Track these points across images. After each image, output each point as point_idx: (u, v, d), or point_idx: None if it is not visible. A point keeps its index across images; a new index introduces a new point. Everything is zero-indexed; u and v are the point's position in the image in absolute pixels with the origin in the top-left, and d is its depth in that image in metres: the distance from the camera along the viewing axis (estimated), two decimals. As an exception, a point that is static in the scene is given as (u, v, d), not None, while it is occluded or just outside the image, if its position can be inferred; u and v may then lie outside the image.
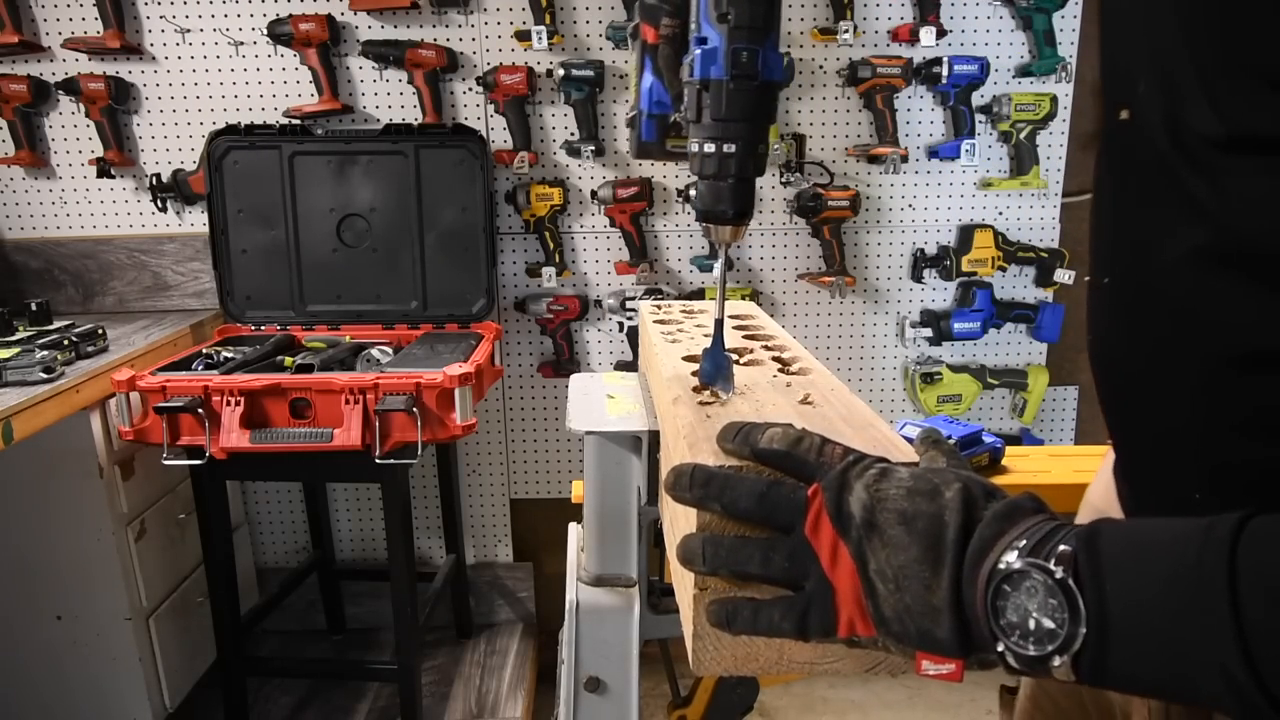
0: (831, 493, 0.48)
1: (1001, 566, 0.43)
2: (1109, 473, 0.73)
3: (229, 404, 1.63)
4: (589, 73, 2.07)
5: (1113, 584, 0.40)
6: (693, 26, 0.63)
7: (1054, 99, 2.13)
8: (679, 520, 0.61)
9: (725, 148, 0.63)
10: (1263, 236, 0.44)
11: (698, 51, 0.63)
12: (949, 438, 1.29)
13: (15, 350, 1.61)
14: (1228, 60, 0.44)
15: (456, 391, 1.64)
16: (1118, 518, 0.59)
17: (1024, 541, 0.43)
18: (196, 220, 2.21)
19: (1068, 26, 2.13)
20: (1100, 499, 0.77)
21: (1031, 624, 0.42)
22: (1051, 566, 0.41)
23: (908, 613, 0.45)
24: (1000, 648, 0.43)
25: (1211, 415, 0.50)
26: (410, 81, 2.10)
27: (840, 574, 0.47)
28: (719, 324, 0.70)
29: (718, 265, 0.70)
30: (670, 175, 2.19)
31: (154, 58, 2.12)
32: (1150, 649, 0.40)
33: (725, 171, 0.63)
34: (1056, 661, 0.41)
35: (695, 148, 0.64)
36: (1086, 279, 0.60)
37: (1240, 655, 0.36)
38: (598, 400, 0.88)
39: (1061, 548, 0.42)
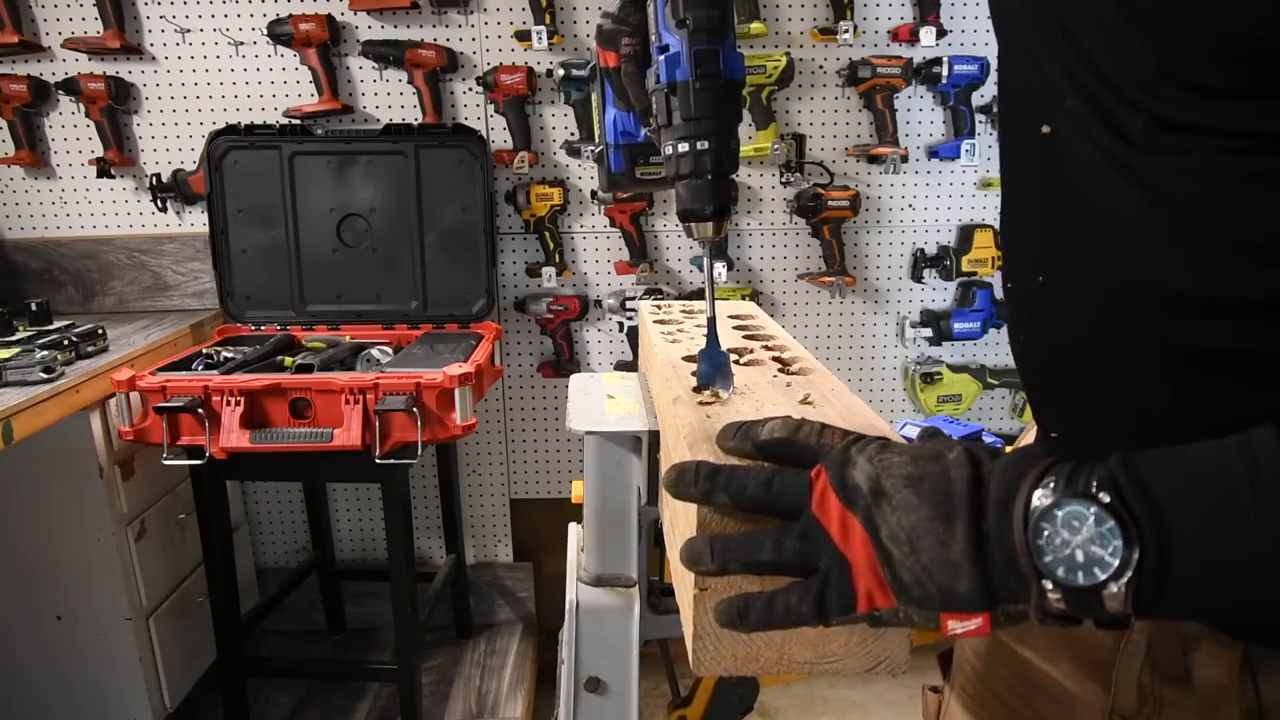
0: (835, 469, 0.48)
1: (1037, 505, 0.42)
2: None
3: (229, 404, 1.63)
4: (589, 73, 2.07)
5: (1167, 502, 0.40)
6: (653, 39, 0.66)
7: (1054, 99, 2.13)
8: (680, 520, 0.61)
9: (699, 145, 0.65)
10: (1194, 201, 0.47)
11: (661, 59, 0.66)
12: (966, 437, 1.30)
13: (15, 350, 1.61)
14: (1152, 70, 0.47)
15: (456, 391, 1.64)
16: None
17: (1051, 481, 0.42)
18: (196, 220, 2.21)
19: (1068, 26, 2.12)
20: None
21: (1080, 555, 0.40)
22: (1096, 493, 0.41)
23: (926, 573, 0.44)
24: (1048, 585, 0.41)
25: (1175, 371, 0.51)
26: (410, 81, 2.10)
27: (853, 546, 0.47)
28: (712, 322, 0.70)
29: (706, 264, 0.70)
30: (665, 173, 2.18)
31: (154, 58, 2.13)
32: (1215, 562, 0.39)
33: (701, 168, 0.65)
34: (1113, 589, 0.40)
35: (669, 150, 0.66)
36: (1007, 285, 0.64)
37: None
38: (598, 400, 0.88)
39: (1096, 479, 0.41)
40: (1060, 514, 0.41)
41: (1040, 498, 0.42)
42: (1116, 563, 0.40)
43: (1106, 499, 0.40)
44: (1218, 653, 0.56)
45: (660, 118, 0.67)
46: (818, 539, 0.48)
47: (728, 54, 0.64)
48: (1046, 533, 0.41)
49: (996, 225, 2.21)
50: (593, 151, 2.15)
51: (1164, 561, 0.39)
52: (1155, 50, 0.46)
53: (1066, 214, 0.55)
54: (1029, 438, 0.77)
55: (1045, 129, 0.55)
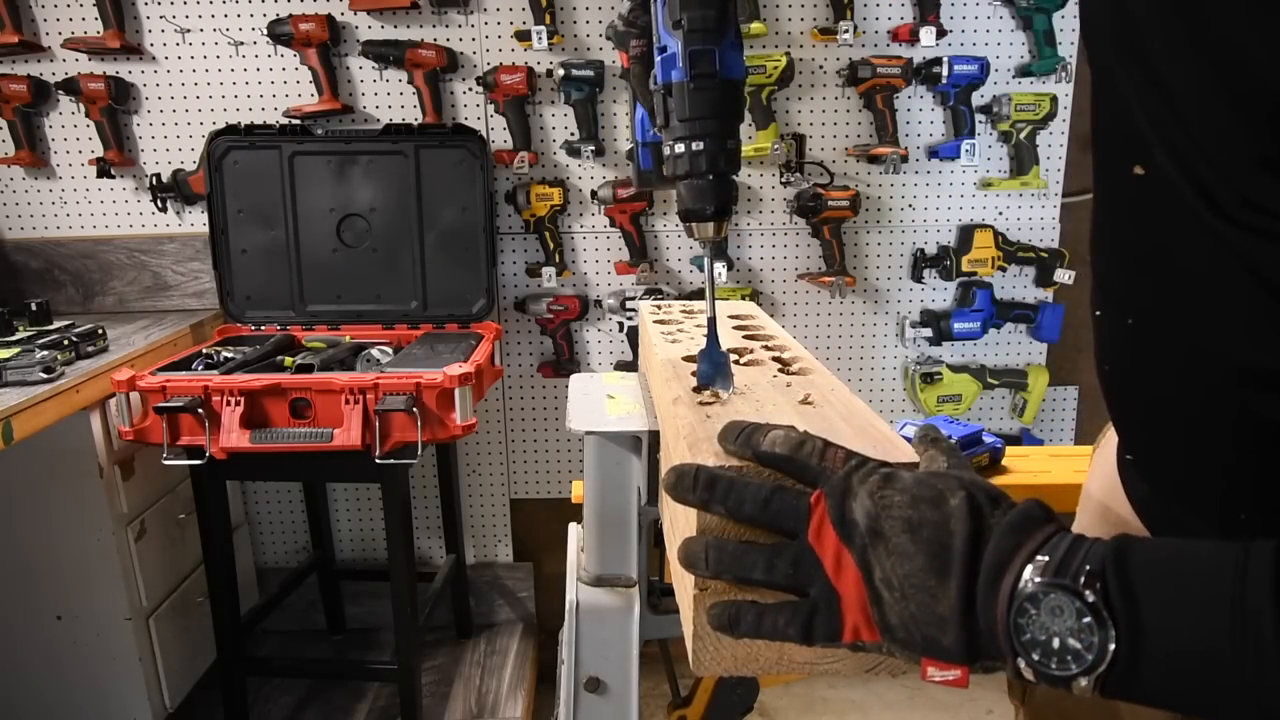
0: (835, 499, 0.48)
1: (1024, 586, 0.43)
2: (1109, 464, 0.74)
3: (229, 404, 1.63)
4: (589, 73, 2.07)
5: (1148, 611, 0.41)
6: (655, 40, 0.67)
7: (1054, 99, 2.13)
8: (679, 521, 0.61)
9: (694, 145, 0.65)
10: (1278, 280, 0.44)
11: (659, 59, 0.66)
12: (948, 437, 1.29)
13: (15, 350, 1.61)
14: (1252, 161, 0.43)
15: (456, 391, 1.64)
16: (1138, 534, 0.60)
17: (1044, 558, 0.43)
18: (196, 220, 2.21)
19: (1068, 26, 2.13)
20: (1100, 491, 0.77)
21: (1056, 644, 0.42)
22: (1081, 589, 0.41)
23: (914, 621, 0.45)
24: (1021, 664, 0.43)
25: (1246, 434, 0.50)
26: (410, 81, 2.10)
27: (845, 582, 0.48)
28: (712, 323, 0.70)
29: (707, 264, 0.70)
30: (666, 173, 2.18)
31: (154, 58, 2.12)
32: (1183, 675, 0.40)
33: (697, 169, 0.65)
34: (1083, 682, 0.42)
35: (668, 150, 0.67)
36: (1097, 313, 0.60)
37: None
38: (598, 400, 0.88)
39: (1088, 567, 0.42)
40: (1045, 601, 0.42)
41: (1030, 576, 0.43)
42: (1090, 658, 0.41)
43: (1091, 598, 0.41)
44: None
45: (659, 118, 0.67)
46: (810, 567, 0.49)
47: (725, 53, 0.64)
48: (1030, 613, 0.42)
49: (996, 225, 2.23)
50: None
51: (1135, 665, 0.41)
52: (1259, 142, 0.42)
53: (1157, 261, 0.53)
54: (1109, 440, 0.77)
55: (1138, 170, 0.52)
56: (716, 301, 0.73)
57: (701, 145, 0.65)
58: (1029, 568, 0.43)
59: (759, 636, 0.50)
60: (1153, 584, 0.41)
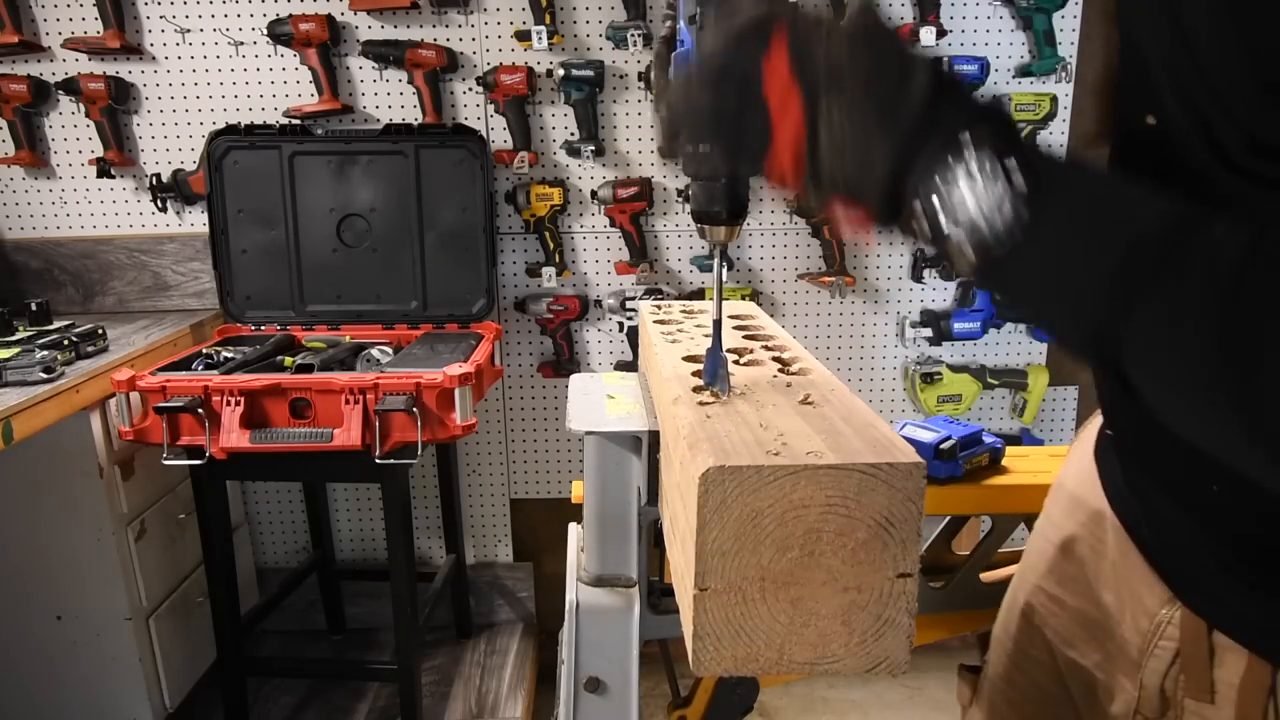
0: (797, 36, 0.48)
1: (958, 147, 0.44)
2: (1085, 458, 0.74)
3: (229, 404, 1.63)
4: (589, 73, 2.07)
5: (1055, 215, 0.43)
6: (676, 34, 0.65)
7: (1054, 99, 2.13)
8: (679, 520, 0.61)
9: (701, 148, 0.63)
10: None
11: (674, 55, 0.64)
12: (949, 438, 1.29)
13: (15, 350, 1.61)
14: (1246, 80, 0.44)
15: (456, 391, 1.64)
16: (1103, 526, 0.60)
17: (988, 134, 0.44)
18: (196, 220, 2.21)
19: (1068, 26, 2.13)
20: (1073, 482, 0.78)
21: (964, 207, 0.44)
22: (1010, 169, 0.43)
23: (841, 161, 0.47)
24: (921, 214, 0.45)
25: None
26: (410, 81, 2.10)
27: (787, 120, 0.48)
28: (717, 324, 0.70)
29: (715, 266, 0.69)
30: (670, 175, 2.19)
31: (154, 58, 2.12)
32: (1054, 288, 0.43)
33: (711, 171, 0.63)
34: (969, 251, 0.44)
35: (682, 150, 0.65)
36: None
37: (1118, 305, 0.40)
38: (598, 400, 0.88)
39: (1026, 158, 0.43)
40: (970, 164, 0.44)
41: (968, 141, 0.44)
42: (986, 231, 0.43)
43: (1016, 180, 0.43)
44: (1244, 667, 0.57)
45: None
46: (755, 86, 0.49)
47: None
48: (953, 170, 0.44)
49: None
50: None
51: (1020, 256, 0.43)
52: (1263, 68, 0.42)
53: None
54: (1088, 433, 0.78)
55: (1150, 119, 0.51)
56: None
57: (708, 147, 0.62)
58: (968, 134, 0.44)
59: (682, 149, 0.53)
60: (1074, 200, 0.43)
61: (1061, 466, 0.84)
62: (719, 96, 0.51)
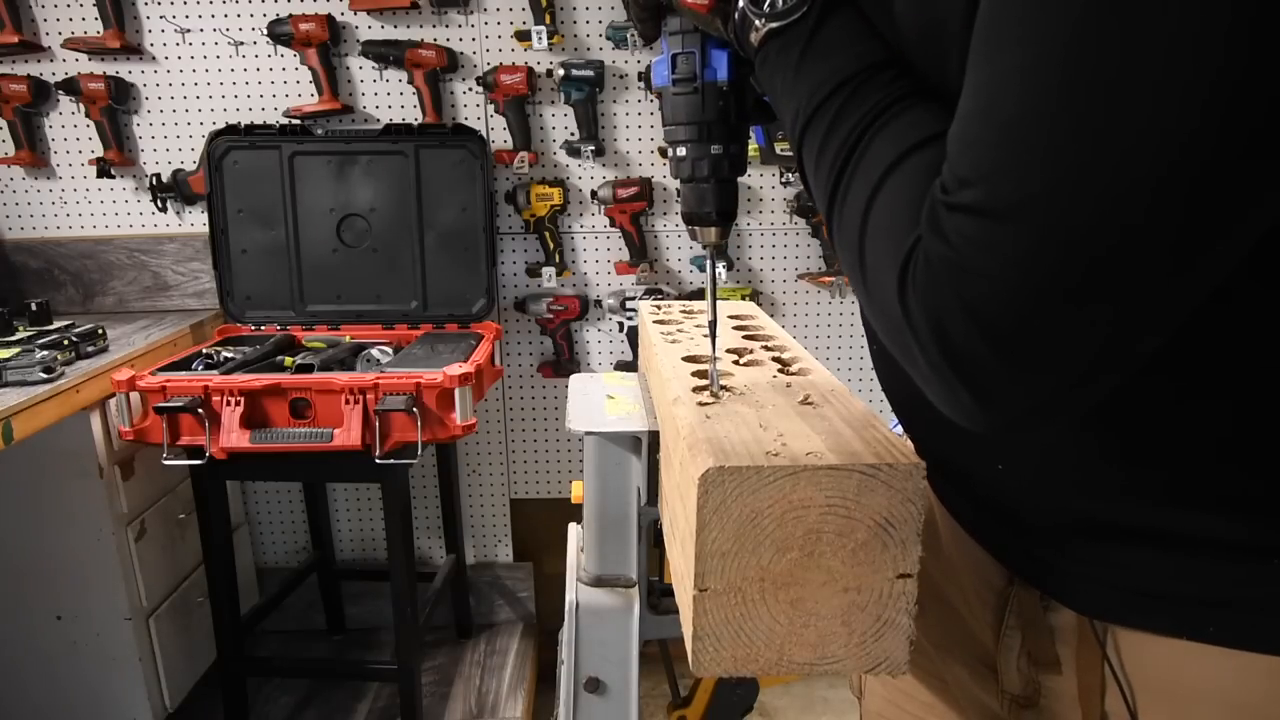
0: None
1: None
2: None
3: (229, 404, 1.63)
4: (589, 73, 2.07)
5: (834, 28, 0.54)
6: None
7: None
8: (679, 520, 0.61)
9: (678, 151, 0.64)
10: None
11: (651, 62, 0.66)
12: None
13: (15, 350, 1.61)
14: None
15: (456, 391, 1.64)
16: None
17: None
18: (196, 220, 2.21)
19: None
20: None
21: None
22: None
23: None
24: (740, 2, 0.56)
25: None
26: (410, 81, 2.10)
27: None
28: (713, 325, 0.70)
29: (709, 267, 0.70)
30: (670, 175, 2.19)
31: (154, 58, 2.12)
32: (790, 76, 0.55)
33: (682, 174, 0.65)
34: (760, 27, 0.55)
35: (669, 152, 0.66)
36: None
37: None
38: (597, 400, 0.88)
39: None
40: None
41: None
42: (780, 11, 0.54)
43: None
44: (1077, 634, 0.60)
45: (663, 119, 0.67)
46: None
47: (709, 55, 0.62)
48: None
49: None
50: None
51: (804, 48, 0.54)
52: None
53: None
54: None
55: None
56: (718, 302, 0.73)
57: (684, 151, 0.64)
58: None
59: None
60: (850, 25, 0.54)
61: None
62: None
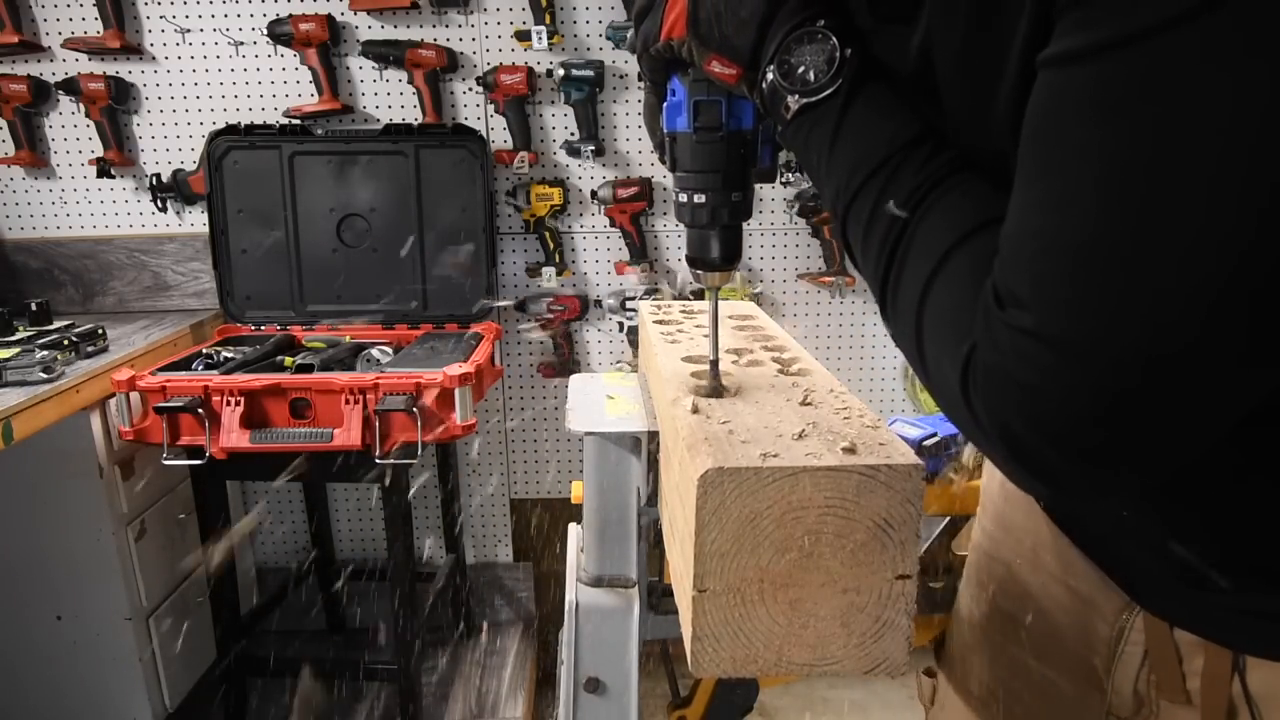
0: None
1: (812, 26, 0.55)
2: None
3: (229, 404, 1.63)
4: (589, 73, 2.07)
5: (865, 101, 0.55)
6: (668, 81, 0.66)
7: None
8: (679, 521, 0.61)
9: (696, 198, 0.63)
10: None
11: (664, 105, 0.64)
12: (934, 434, 1.30)
13: (15, 350, 1.61)
14: None
15: (456, 391, 1.64)
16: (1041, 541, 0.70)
17: (834, 24, 0.55)
18: (196, 220, 2.21)
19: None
20: (1000, 496, 0.78)
21: (799, 71, 0.55)
22: (842, 48, 0.55)
23: (717, 19, 0.57)
24: (770, 72, 0.56)
25: None
26: (410, 81, 2.10)
27: None
28: (714, 365, 0.69)
29: (710, 306, 0.69)
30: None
31: (154, 58, 2.12)
32: (835, 164, 0.56)
33: (698, 220, 0.64)
34: (791, 101, 0.56)
35: (675, 197, 0.66)
36: None
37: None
38: (597, 400, 0.88)
39: (848, 52, 0.55)
40: (816, 41, 0.55)
41: (824, 26, 0.55)
42: (812, 87, 0.55)
43: (844, 53, 0.54)
44: (1204, 657, 0.58)
45: (667, 160, 0.66)
46: None
47: (735, 104, 0.62)
48: (803, 44, 0.55)
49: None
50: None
51: (839, 121, 0.55)
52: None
53: None
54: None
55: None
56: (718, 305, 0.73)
57: (703, 199, 0.63)
58: (823, 21, 0.55)
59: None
60: (860, 105, 0.55)
61: (983, 478, 0.85)
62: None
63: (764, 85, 0.57)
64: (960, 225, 0.49)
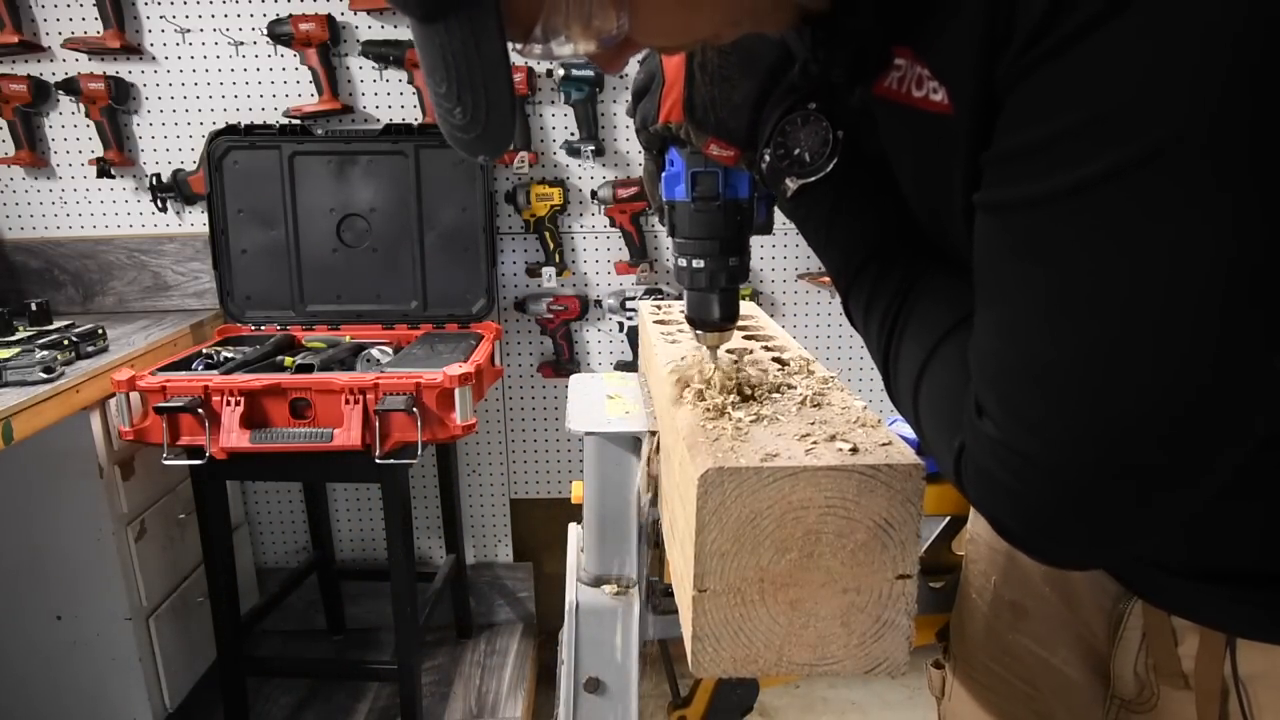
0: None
1: (805, 107, 0.58)
2: None
3: (229, 404, 1.63)
4: (589, 73, 2.07)
5: (859, 182, 0.59)
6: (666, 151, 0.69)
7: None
8: (679, 521, 0.61)
9: (695, 263, 0.66)
10: None
11: (663, 175, 0.67)
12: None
13: (15, 350, 1.61)
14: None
15: (456, 391, 1.64)
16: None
17: (823, 111, 0.58)
18: (196, 220, 2.20)
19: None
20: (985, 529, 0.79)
21: (795, 152, 0.58)
22: (838, 132, 0.58)
23: (713, 103, 0.60)
24: (766, 154, 0.59)
25: None
26: (410, 81, 2.10)
27: (671, 65, 0.62)
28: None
29: (708, 355, 0.72)
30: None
31: (154, 58, 2.12)
32: (832, 245, 0.61)
33: (698, 284, 0.67)
34: (790, 183, 0.59)
35: (674, 260, 0.69)
36: None
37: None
38: (598, 400, 0.88)
39: (840, 133, 0.58)
40: (812, 123, 0.58)
41: (815, 108, 0.57)
42: (809, 169, 0.58)
43: (838, 135, 0.57)
44: (1204, 641, 0.60)
45: (667, 225, 0.69)
46: (655, 63, 0.64)
47: (731, 174, 0.64)
48: (797, 125, 0.58)
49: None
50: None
51: (834, 201, 0.59)
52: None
53: None
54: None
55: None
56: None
57: (701, 264, 0.66)
58: (815, 103, 0.57)
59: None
60: (868, 183, 0.59)
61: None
62: (639, 78, 0.67)
63: (762, 165, 0.60)
64: (940, 325, 0.53)
